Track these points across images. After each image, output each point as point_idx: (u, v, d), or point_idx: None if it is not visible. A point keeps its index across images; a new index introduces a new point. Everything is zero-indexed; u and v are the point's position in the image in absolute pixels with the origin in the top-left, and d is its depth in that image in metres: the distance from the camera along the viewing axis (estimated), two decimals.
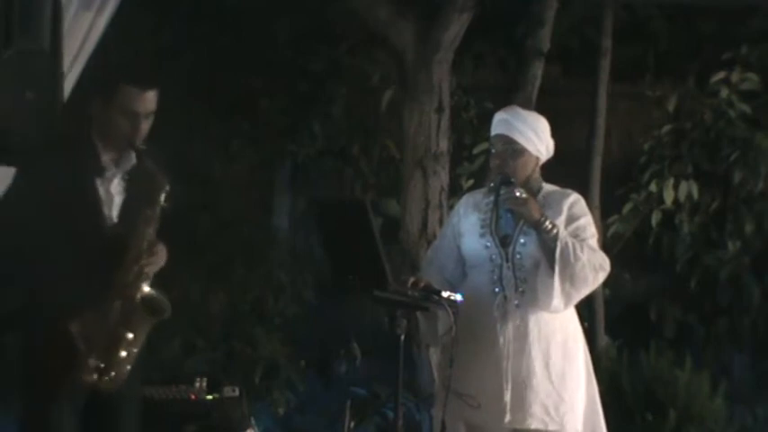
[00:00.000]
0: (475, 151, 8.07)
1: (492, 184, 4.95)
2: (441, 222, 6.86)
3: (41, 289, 4.19)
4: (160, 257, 4.32)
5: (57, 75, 5.38)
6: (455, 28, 6.99)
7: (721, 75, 8.19)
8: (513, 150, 4.85)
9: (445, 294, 4.62)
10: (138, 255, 4.25)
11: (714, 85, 8.23)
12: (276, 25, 8.22)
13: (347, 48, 8.42)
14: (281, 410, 7.60)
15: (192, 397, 5.57)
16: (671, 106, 8.35)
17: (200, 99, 7.91)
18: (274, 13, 8.13)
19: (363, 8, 7.04)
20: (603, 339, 7.87)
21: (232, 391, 5.62)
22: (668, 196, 8.15)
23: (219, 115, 8.09)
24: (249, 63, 8.20)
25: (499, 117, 4.94)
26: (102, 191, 4.31)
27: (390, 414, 6.70)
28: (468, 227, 4.94)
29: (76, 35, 5.60)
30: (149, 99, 4.31)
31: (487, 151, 7.67)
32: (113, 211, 4.33)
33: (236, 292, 7.81)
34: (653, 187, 8.20)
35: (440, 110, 7.03)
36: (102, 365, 4.21)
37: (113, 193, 4.33)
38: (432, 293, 4.64)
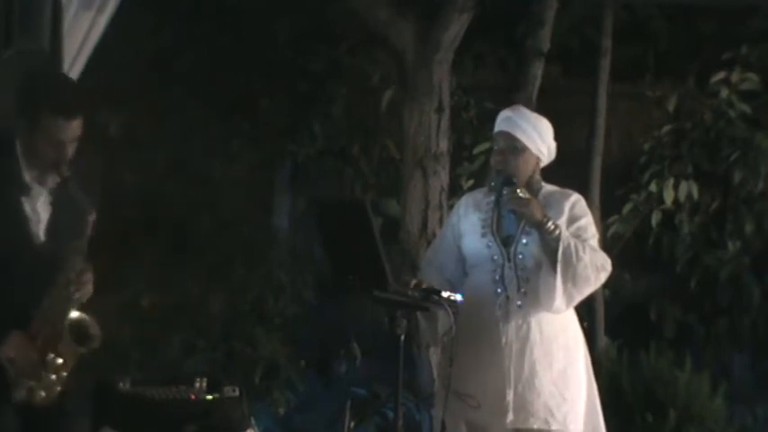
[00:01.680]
0: (475, 151, 8.06)
1: (493, 184, 4.96)
2: (441, 222, 6.86)
3: None
4: (88, 285, 4.26)
5: None
6: (455, 28, 6.99)
7: (721, 75, 8.19)
8: (515, 148, 4.86)
9: (445, 294, 4.62)
10: (67, 283, 4.20)
11: (714, 85, 8.22)
12: (276, 25, 8.23)
13: (347, 48, 8.42)
14: (281, 410, 7.60)
15: (192, 397, 5.57)
16: (671, 106, 8.35)
17: (200, 99, 7.91)
18: (274, 13, 8.13)
19: (363, 8, 7.04)
20: (603, 340, 7.87)
21: (232, 391, 5.61)
22: (668, 196, 8.15)
23: (219, 115, 8.09)
24: (249, 63, 8.20)
25: (503, 115, 4.95)
26: (28, 209, 4.26)
27: (390, 414, 6.70)
28: (468, 227, 4.94)
29: (76, 35, 5.60)
30: (74, 127, 4.21)
31: (487, 151, 7.71)
32: (41, 228, 4.27)
33: (236, 292, 7.81)
34: (653, 187, 8.20)
35: (440, 110, 7.03)
36: (32, 385, 4.19)
37: (39, 211, 4.28)
38: (432, 293, 4.64)
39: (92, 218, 4.22)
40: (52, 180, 4.27)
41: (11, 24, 5.24)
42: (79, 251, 4.21)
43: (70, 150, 4.22)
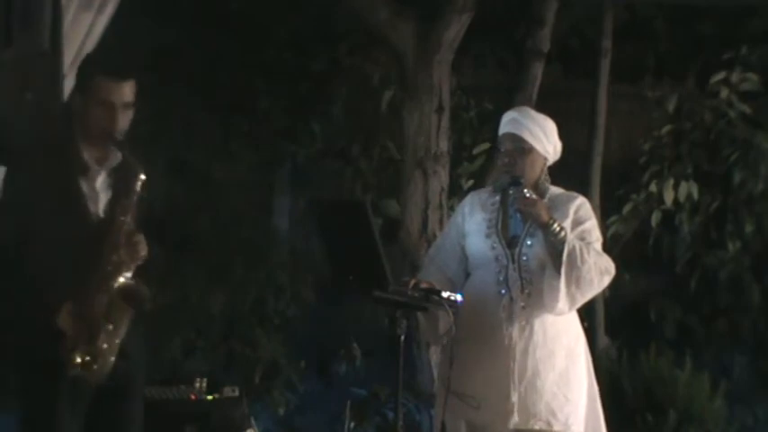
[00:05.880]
0: (475, 151, 8.06)
1: (498, 184, 4.95)
2: (441, 222, 6.87)
3: (31, 288, 4.22)
4: (140, 248, 4.30)
5: (57, 75, 5.39)
6: (455, 28, 6.99)
7: (721, 75, 8.19)
8: (522, 149, 4.85)
9: (445, 294, 4.62)
10: (116, 245, 4.26)
11: (714, 86, 8.23)
12: (276, 25, 8.23)
13: (347, 48, 8.42)
14: (281, 410, 7.60)
15: (192, 397, 5.58)
16: (671, 107, 8.35)
17: (200, 99, 7.91)
18: (275, 13, 8.13)
19: (363, 8, 7.04)
20: (603, 340, 7.87)
21: (232, 391, 5.62)
22: (668, 196, 8.15)
23: (219, 115, 8.09)
24: (249, 63, 8.20)
25: (509, 116, 4.94)
26: (86, 188, 4.33)
27: (390, 414, 6.71)
28: (473, 226, 4.94)
29: (76, 35, 5.61)
30: (125, 90, 4.33)
31: (487, 152, 7.72)
32: (99, 207, 4.35)
33: (236, 293, 7.81)
34: (653, 188, 8.20)
35: (440, 110, 7.03)
36: (87, 358, 4.24)
37: (98, 190, 4.35)
38: (432, 293, 4.63)
39: (141, 178, 4.27)
40: (112, 159, 4.35)
41: (11, 24, 5.25)
42: (127, 210, 4.27)
43: (123, 118, 4.32)
